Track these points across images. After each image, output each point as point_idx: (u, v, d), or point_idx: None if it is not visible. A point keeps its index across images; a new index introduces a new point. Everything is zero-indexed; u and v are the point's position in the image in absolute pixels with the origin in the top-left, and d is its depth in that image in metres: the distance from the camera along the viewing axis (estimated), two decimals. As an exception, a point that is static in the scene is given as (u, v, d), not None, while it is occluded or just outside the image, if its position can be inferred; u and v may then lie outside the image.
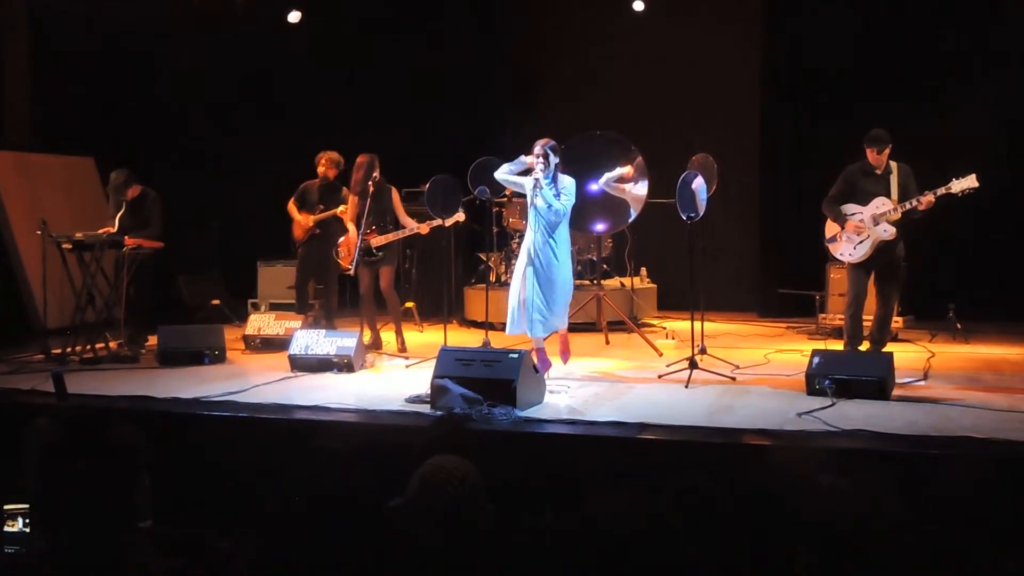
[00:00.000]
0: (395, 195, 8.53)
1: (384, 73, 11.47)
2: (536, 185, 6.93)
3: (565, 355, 7.29)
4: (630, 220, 9.14)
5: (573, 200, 7.07)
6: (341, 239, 8.67)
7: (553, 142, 7.08)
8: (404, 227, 8.47)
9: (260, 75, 11.50)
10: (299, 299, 9.28)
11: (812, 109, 10.45)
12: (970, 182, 6.93)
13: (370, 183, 8.32)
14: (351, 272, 8.48)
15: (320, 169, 8.96)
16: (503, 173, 7.16)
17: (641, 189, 8.85)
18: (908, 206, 7.08)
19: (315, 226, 8.92)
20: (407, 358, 8.00)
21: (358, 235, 8.36)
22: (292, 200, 9.07)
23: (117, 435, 2.37)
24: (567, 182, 7.07)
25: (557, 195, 6.97)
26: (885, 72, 9.87)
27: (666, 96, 11.10)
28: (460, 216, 8.37)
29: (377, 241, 8.45)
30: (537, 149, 6.97)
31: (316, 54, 11.40)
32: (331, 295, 9.23)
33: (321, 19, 11.09)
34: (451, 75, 11.31)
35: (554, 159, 6.94)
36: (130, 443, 2.37)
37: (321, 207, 8.92)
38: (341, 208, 8.79)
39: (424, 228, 8.45)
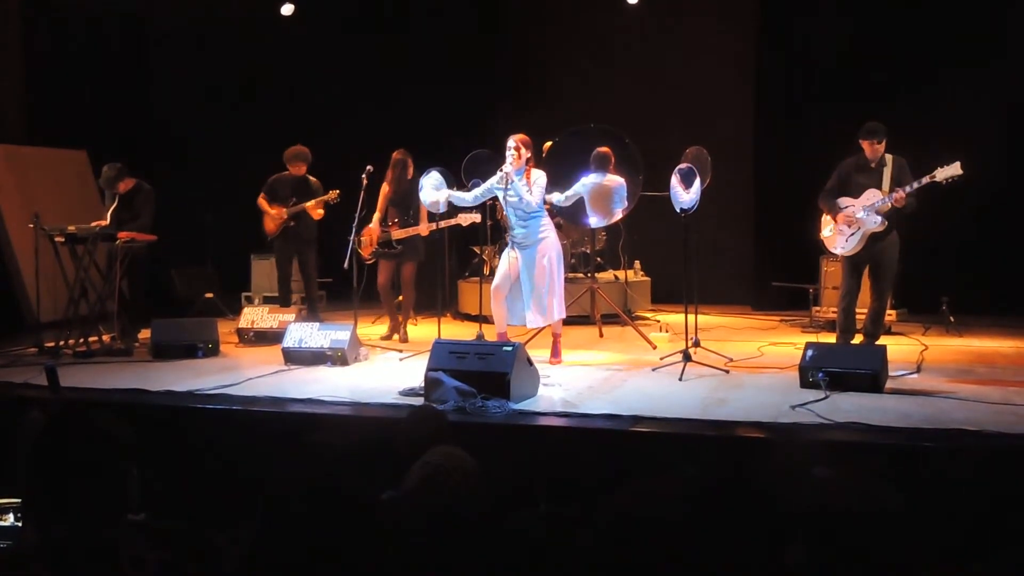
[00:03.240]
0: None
1: (380, 68, 11.45)
2: (507, 179, 7.03)
3: (554, 357, 7.33)
4: (625, 213, 9.13)
5: (543, 193, 7.21)
6: (364, 228, 8.74)
7: (526, 137, 7.17)
8: (419, 223, 8.61)
9: (254, 69, 11.47)
10: (283, 293, 9.31)
11: (807, 102, 10.46)
12: (954, 170, 6.92)
13: (363, 176, 8.37)
14: (370, 261, 8.69)
15: (292, 168, 8.99)
16: (458, 198, 7.44)
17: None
18: (891, 200, 7.06)
19: (289, 219, 8.94)
20: (401, 351, 8.01)
21: (381, 227, 8.69)
22: (262, 194, 9.09)
23: (105, 427, 2.36)
24: (538, 176, 7.19)
25: (528, 189, 7.09)
26: (881, 67, 9.87)
27: (662, 90, 11.11)
28: (476, 217, 8.41)
29: (397, 234, 8.57)
30: (510, 143, 7.11)
31: (311, 48, 11.38)
32: (312, 288, 9.25)
33: (317, 13, 11.06)
34: (447, 70, 11.29)
35: (526, 153, 7.09)
36: (118, 435, 2.37)
37: (294, 200, 8.93)
38: (312, 202, 8.86)
39: (423, 229, 8.54)
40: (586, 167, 8.95)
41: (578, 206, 8.81)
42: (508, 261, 7.30)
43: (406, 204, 8.70)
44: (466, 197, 7.52)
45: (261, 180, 9.17)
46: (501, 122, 10.00)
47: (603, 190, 8.82)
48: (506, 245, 7.47)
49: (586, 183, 8.84)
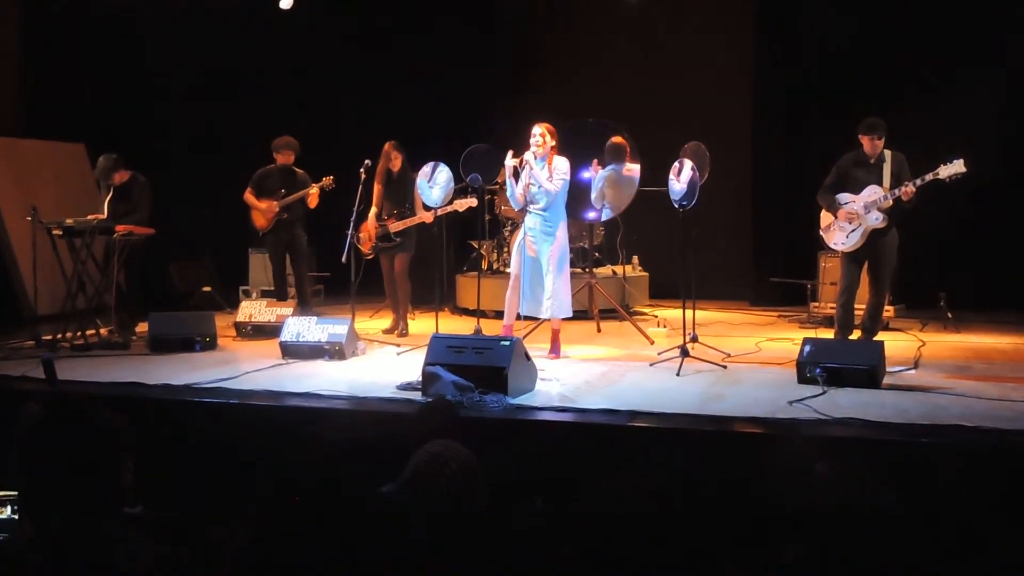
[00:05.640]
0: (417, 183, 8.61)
1: (377, 62, 11.43)
2: (528, 164, 7.08)
3: (553, 352, 7.33)
4: (623, 208, 9.14)
5: (567, 180, 7.22)
6: (361, 224, 8.77)
7: (551, 126, 7.22)
8: (415, 214, 8.58)
9: (252, 63, 11.44)
10: (278, 287, 9.29)
11: (805, 96, 10.45)
12: (957, 167, 6.91)
13: (361, 170, 8.41)
14: (370, 256, 8.72)
15: (279, 158, 8.97)
16: (512, 195, 7.38)
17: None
18: (897, 193, 7.08)
19: (281, 211, 8.92)
20: (399, 345, 8.01)
21: (377, 221, 8.70)
22: (249, 189, 9.04)
23: (101, 421, 2.36)
24: (560, 163, 7.21)
25: (549, 176, 7.11)
26: (878, 60, 9.86)
27: (661, 86, 11.10)
28: (472, 201, 8.42)
29: (395, 227, 8.59)
30: (535, 130, 7.17)
31: (310, 43, 11.35)
32: (304, 280, 9.24)
33: (316, 9, 11.02)
34: (444, 64, 11.26)
35: (551, 141, 7.13)
36: (114, 427, 2.36)
37: (283, 191, 8.92)
38: (314, 189, 8.84)
39: (428, 217, 8.51)
40: (584, 162, 8.97)
41: (575, 199, 8.83)
42: (521, 248, 7.31)
43: (400, 196, 8.70)
44: (512, 196, 7.46)
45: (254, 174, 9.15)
46: (500, 119, 10.01)
47: (623, 180, 8.85)
48: (504, 239, 7.49)
49: (603, 174, 8.88)
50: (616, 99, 10.84)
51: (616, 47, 11.40)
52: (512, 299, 7.36)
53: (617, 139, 8.93)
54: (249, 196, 9.02)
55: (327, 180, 8.85)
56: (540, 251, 7.24)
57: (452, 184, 8.10)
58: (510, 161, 7.33)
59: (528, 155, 7.17)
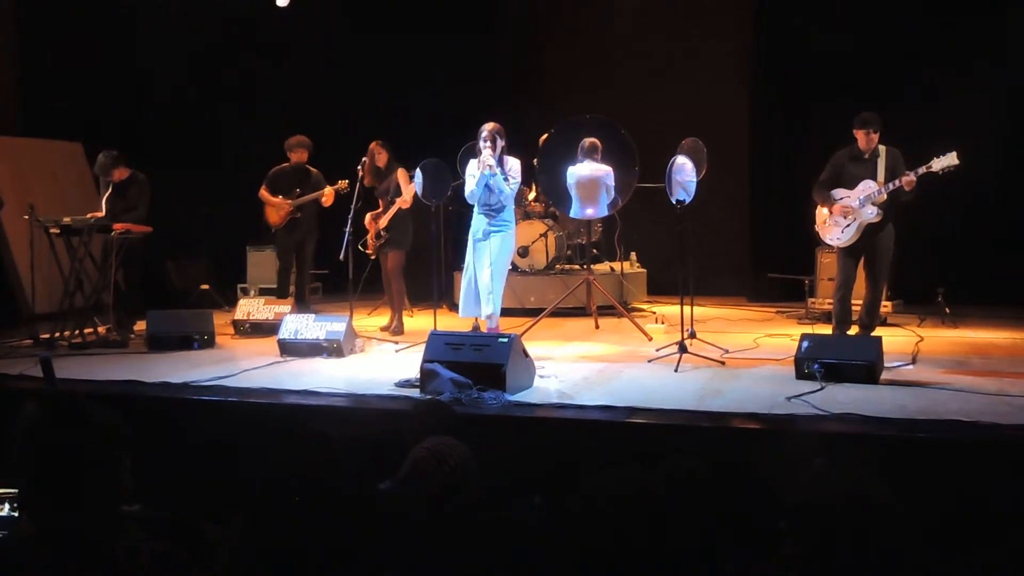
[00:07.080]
0: (401, 174, 8.59)
1: (376, 59, 11.42)
2: (487, 169, 7.05)
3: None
4: (622, 204, 9.13)
5: (519, 181, 7.22)
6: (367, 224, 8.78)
7: (498, 126, 7.17)
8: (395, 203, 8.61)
9: (252, 62, 11.44)
10: (281, 284, 9.31)
11: (803, 94, 10.46)
12: (951, 160, 6.93)
13: (359, 168, 8.43)
14: (373, 256, 8.84)
15: (292, 156, 9.01)
16: (470, 188, 7.29)
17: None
18: (892, 187, 7.10)
19: (295, 209, 8.95)
20: (397, 342, 8.01)
21: (375, 222, 8.71)
22: (264, 187, 9.10)
23: (99, 419, 2.36)
24: (513, 164, 7.20)
25: (506, 178, 7.11)
26: (877, 56, 9.87)
27: (659, 83, 11.11)
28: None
29: (382, 222, 8.62)
30: (484, 135, 7.10)
31: (310, 43, 11.35)
32: (304, 280, 9.26)
33: (316, 8, 11.01)
34: (445, 66, 11.26)
35: (500, 142, 7.10)
36: (112, 426, 2.37)
37: (298, 191, 8.95)
38: (328, 190, 8.87)
39: (404, 203, 8.56)
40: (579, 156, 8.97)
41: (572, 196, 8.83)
42: (484, 248, 7.32)
43: (386, 190, 8.75)
44: (474, 192, 7.41)
45: (258, 172, 9.17)
46: (500, 118, 9.98)
47: (590, 181, 8.86)
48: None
49: (573, 174, 8.89)
50: (615, 98, 10.84)
51: (616, 47, 11.40)
52: None
53: (591, 139, 8.97)
54: (264, 193, 9.07)
55: (342, 183, 8.90)
56: (488, 248, 7.22)
57: (418, 178, 8.06)
58: (486, 159, 7.25)
59: (490, 160, 7.11)
